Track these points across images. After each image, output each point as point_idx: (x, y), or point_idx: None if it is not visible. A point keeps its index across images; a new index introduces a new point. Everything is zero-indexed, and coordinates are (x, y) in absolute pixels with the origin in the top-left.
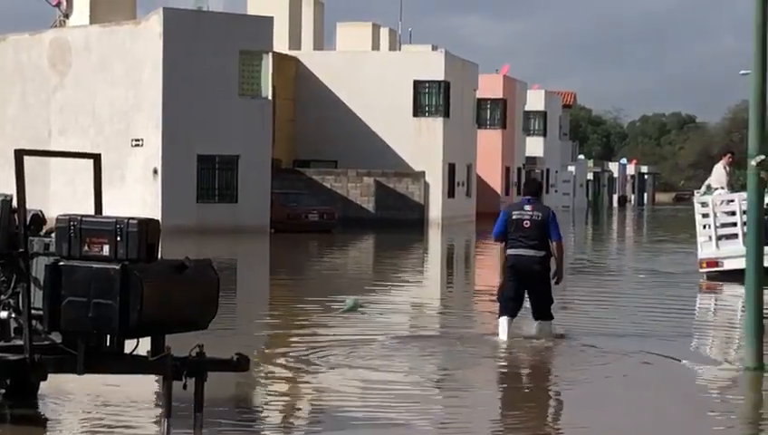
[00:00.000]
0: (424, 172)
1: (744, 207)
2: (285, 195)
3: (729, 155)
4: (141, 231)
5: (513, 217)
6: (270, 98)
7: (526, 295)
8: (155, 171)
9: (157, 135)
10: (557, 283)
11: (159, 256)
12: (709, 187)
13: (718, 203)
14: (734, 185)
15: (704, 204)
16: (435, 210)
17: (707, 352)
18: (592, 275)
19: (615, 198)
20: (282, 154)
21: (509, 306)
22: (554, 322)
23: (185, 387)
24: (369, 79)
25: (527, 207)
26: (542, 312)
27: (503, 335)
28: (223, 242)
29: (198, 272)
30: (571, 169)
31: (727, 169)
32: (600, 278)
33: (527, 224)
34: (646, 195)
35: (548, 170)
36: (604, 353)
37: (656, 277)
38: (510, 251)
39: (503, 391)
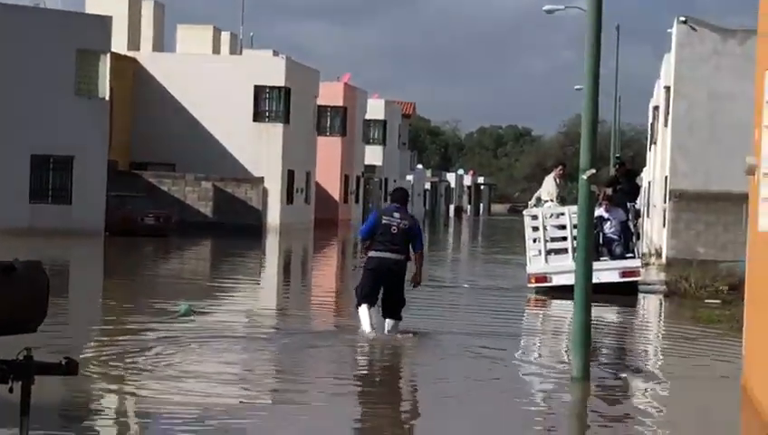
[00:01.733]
0: (263, 178)
1: (575, 221)
2: (121, 197)
3: (560, 167)
4: None
5: (383, 221)
6: (107, 98)
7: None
8: None
9: None
10: (415, 286)
11: None
12: (539, 199)
13: (548, 216)
14: (566, 198)
15: (534, 217)
16: (273, 216)
17: (535, 361)
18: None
19: (452, 207)
20: (119, 156)
21: (367, 298)
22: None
23: (11, 391)
24: (210, 83)
25: (396, 214)
26: (395, 311)
27: (365, 323)
28: (56, 244)
29: (27, 274)
30: (410, 178)
31: (558, 181)
32: (429, 289)
33: (394, 230)
34: (482, 205)
35: (386, 179)
36: (448, 354)
37: (485, 292)
38: (373, 253)
39: (342, 390)
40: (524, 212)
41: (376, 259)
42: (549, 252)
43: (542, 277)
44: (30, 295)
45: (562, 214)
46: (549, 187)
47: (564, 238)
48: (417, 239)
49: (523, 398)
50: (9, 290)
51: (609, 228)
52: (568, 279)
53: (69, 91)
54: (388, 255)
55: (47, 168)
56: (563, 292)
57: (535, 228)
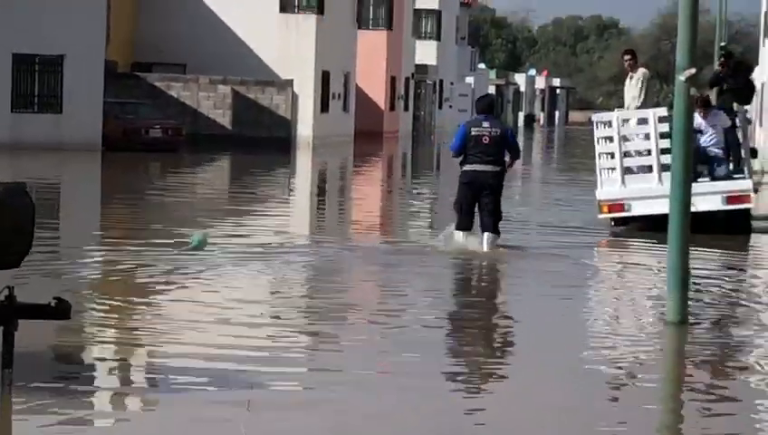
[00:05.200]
0: (292, 81)
1: (662, 129)
2: (121, 105)
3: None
4: None
5: (473, 133)
6: None
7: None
8: None
9: None
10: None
11: None
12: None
13: (625, 122)
14: (652, 101)
15: (607, 123)
16: (305, 127)
17: (623, 302)
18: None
19: (521, 116)
20: (118, 55)
21: (465, 221)
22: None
23: None
24: None
25: (485, 124)
26: (493, 224)
27: (459, 239)
28: (43, 161)
29: (8, 197)
30: (470, 80)
31: (645, 73)
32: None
33: (486, 140)
34: (558, 113)
35: (441, 82)
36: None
37: (554, 230)
38: (468, 167)
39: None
40: (593, 117)
41: (471, 172)
42: (627, 171)
43: (617, 205)
44: (11, 223)
45: (644, 119)
46: (630, 88)
47: (648, 152)
48: (514, 148)
49: (610, 342)
50: None
51: (708, 140)
52: (652, 207)
53: None
54: (483, 167)
55: (32, 69)
56: (647, 223)
57: (608, 139)
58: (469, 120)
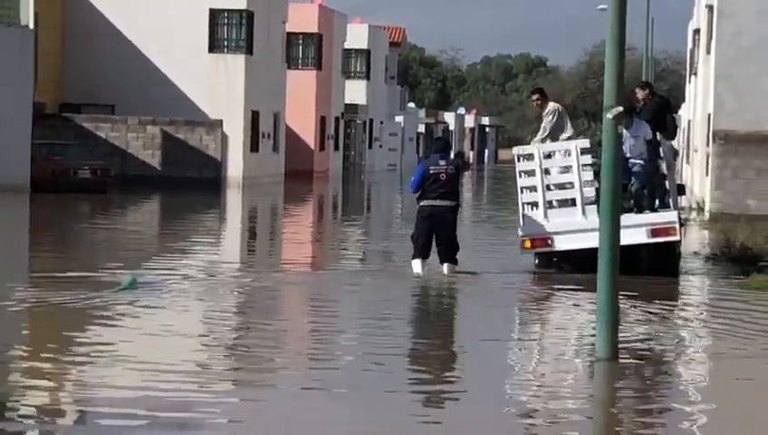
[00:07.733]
0: (221, 121)
1: (584, 161)
2: (49, 146)
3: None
4: None
5: (431, 171)
6: (31, 27)
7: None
8: None
9: None
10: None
11: None
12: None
13: (547, 155)
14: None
15: (528, 156)
16: (234, 167)
17: (554, 340)
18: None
19: (451, 154)
20: (46, 96)
21: (421, 249)
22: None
23: None
24: (155, 6)
25: (441, 162)
26: (450, 256)
27: (417, 270)
28: None
29: None
30: (399, 119)
31: (556, 108)
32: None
33: (443, 177)
34: (487, 151)
35: (371, 121)
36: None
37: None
38: (426, 202)
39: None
40: (515, 150)
41: (429, 207)
42: (549, 204)
43: (540, 240)
44: None
45: (567, 152)
46: (545, 122)
47: (571, 185)
48: (461, 168)
49: (539, 380)
50: None
51: (630, 148)
52: (576, 241)
53: None
54: (440, 202)
55: None
56: (572, 265)
57: (530, 173)
58: (427, 159)
